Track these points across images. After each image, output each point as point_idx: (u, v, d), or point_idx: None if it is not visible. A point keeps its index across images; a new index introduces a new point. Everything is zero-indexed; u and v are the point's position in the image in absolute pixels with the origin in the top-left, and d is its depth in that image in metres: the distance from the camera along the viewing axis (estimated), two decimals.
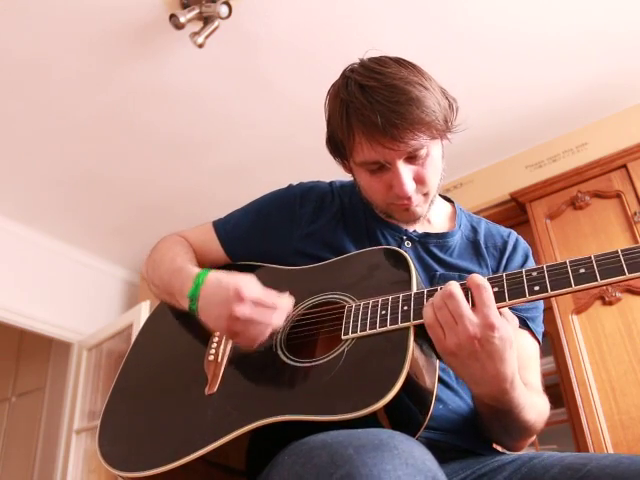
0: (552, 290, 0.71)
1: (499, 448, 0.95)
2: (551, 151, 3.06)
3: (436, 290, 0.78)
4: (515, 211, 2.87)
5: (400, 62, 0.93)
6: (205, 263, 1.09)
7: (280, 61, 2.53)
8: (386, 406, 0.68)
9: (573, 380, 2.26)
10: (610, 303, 2.32)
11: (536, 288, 0.72)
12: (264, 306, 0.82)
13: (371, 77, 0.90)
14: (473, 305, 0.72)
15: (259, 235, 1.08)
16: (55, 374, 4.05)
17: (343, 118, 0.91)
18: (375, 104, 0.86)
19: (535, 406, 0.84)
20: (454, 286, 0.73)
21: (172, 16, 2.17)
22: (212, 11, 2.19)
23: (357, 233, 1.03)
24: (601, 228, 2.49)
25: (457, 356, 0.72)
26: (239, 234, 1.10)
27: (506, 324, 0.71)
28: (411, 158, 0.91)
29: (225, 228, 1.11)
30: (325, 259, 0.98)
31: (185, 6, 2.23)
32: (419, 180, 0.93)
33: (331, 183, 1.13)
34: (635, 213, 2.41)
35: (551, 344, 2.52)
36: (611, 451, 2.08)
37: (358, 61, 0.97)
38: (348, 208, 1.07)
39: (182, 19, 2.16)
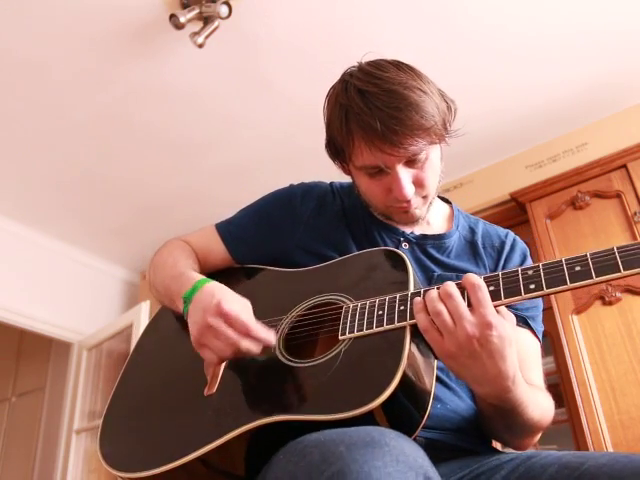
0: (548, 288, 0.71)
1: (498, 446, 0.95)
2: (551, 151, 3.06)
3: (433, 288, 0.78)
4: (515, 211, 2.87)
5: (398, 66, 0.93)
6: (209, 267, 1.10)
7: (280, 61, 2.53)
8: (383, 405, 0.68)
9: (573, 380, 2.26)
10: (610, 303, 2.32)
11: (532, 286, 0.72)
12: (235, 327, 0.81)
13: (370, 82, 0.90)
14: (469, 305, 0.71)
15: (262, 235, 1.08)
16: (55, 374, 4.05)
17: (343, 123, 0.92)
18: (374, 110, 0.87)
19: (539, 404, 0.84)
20: (451, 286, 0.73)
21: (172, 16, 2.17)
22: (212, 11, 2.20)
23: (357, 233, 1.04)
24: (601, 228, 2.49)
25: (457, 358, 0.72)
26: (242, 235, 1.10)
27: (504, 322, 0.71)
28: (410, 162, 0.91)
29: (229, 230, 1.11)
30: (328, 257, 0.99)
31: (185, 6, 2.23)
32: (418, 183, 0.93)
33: (331, 184, 1.13)
34: (635, 213, 2.41)
35: (551, 344, 2.52)
36: (611, 451, 2.08)
37: (356, 64, 0.97)
38: (348, 209, 1.07)
39: (182, 19, 2.16)
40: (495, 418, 0.84)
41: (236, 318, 0.81)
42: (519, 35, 2.47)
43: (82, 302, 3.86)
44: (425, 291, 0.78)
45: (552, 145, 3.07)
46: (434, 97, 0.90)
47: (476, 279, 0.72)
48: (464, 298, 0.72)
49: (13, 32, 2.30)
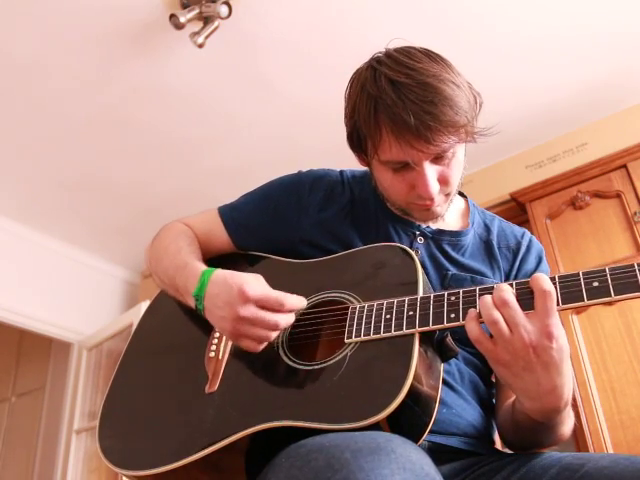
0: (564, 303, 0.68)
1: (498, 446, 0.95)
2: (551, 151, 3.06)
3: (443, 295, 0.76)
4: (515, 211, 2.87)
5: (429, 55, 0.88)
6: (210, 252, 1.06)
7: (280, 61, 2.53)
8: (389, 415, 0.67)
9: None
10: (610, 303, 2.31)
11: None
12: (270, 307, 0.79)
13: (402, 72, 0.84)
14: (528, 309, 0.68)
15: (266, 222, 1.04)
16: (55, 374, 4.05)
17: (371, 114, 0.86)
18: (408, 103, 0.81)
19: (570, 422, 0.81)
20: (506, 292, 0.68)
21: (172, 16, 2.17)
22: (212, 11, 2.20)
23: (366, 227, 0.99)
24: (601, 228, 2.49)
25: (511, 367, 0.69)
26: (246, 221, 1.05)
27: (564, 334, 0.67)
28: (437, 159, 0.87)
29: (231, 215, 1.07)
30: (332, 251, 0.95)
31: (185, 6, 2.23)
32: (443, 181, 0.90)
33: (342, 172, 1.08)
34: (635, 213, 2.41)
35: None
36: (611, 451, 2.08)
37: (383, 50, 0.91)
38: (358, 200, 1.02)
39: (182, 19, 2.16)
40: (529, 433, 0.81)
41: (267, 298, 0.79)
42: (519, 35, 2.47)
43: (82, 302, 3.86)
44: (435, 296, 0.76)
45: (552, 145, 3.07)
46: (465, 90, 0.86)
47: (549, 285, 0.67)
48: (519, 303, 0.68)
49: (13, 32, 2.30)
